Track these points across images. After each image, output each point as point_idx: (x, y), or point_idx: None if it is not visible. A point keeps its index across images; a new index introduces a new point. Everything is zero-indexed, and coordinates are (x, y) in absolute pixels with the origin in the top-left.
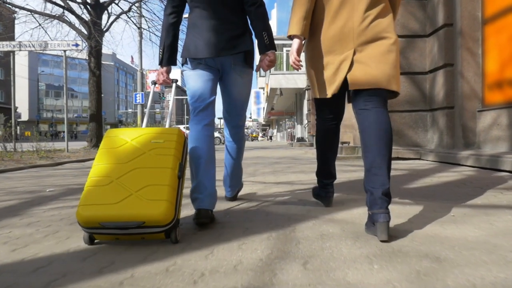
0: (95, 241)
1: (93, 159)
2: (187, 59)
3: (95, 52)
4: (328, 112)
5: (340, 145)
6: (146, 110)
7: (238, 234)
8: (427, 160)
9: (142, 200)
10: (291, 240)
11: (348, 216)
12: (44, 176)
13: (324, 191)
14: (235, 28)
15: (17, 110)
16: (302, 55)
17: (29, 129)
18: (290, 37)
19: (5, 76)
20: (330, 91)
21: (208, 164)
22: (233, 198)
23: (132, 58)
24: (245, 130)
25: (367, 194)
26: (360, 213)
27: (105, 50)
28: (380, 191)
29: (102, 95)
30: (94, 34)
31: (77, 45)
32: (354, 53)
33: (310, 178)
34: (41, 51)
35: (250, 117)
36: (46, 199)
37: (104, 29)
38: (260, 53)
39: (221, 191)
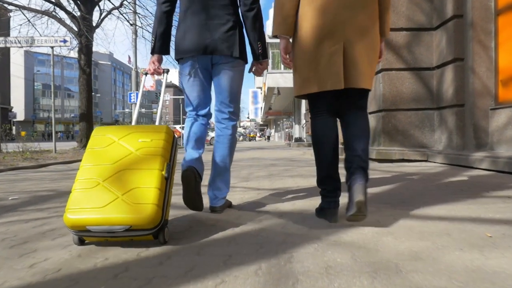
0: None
1: (80, 160)
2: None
3: (85, 49)
4: (324, 107)
5: (340, 146)
6: (136, 105)
7: (217, 266)
8: (435, 162)
9: (129, 204)
10: (287, 276)
11: (359, 237)
12: (20, 180)
13: (327, 201)
14: (225, 23)
15: (13, 110)
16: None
17: (25, 129)
18: (276, 36)
19: (0, 76)
20: (330, 84)
21: (197, 143)
22: (219, 209)
23: (129, 57)
24: (243, 130)
25: (348, 170)
26: (374, 234)
27: (101, 49)
28: (361, 167)
29: (98, 95)
30: (83, 29)
31: (65, 41)
32: (344, 47)
33: (309, 184)
34: (28, 47)
35: (248, 117)
36: (2, 210)
37: (95, 25)
38: (254, 59)
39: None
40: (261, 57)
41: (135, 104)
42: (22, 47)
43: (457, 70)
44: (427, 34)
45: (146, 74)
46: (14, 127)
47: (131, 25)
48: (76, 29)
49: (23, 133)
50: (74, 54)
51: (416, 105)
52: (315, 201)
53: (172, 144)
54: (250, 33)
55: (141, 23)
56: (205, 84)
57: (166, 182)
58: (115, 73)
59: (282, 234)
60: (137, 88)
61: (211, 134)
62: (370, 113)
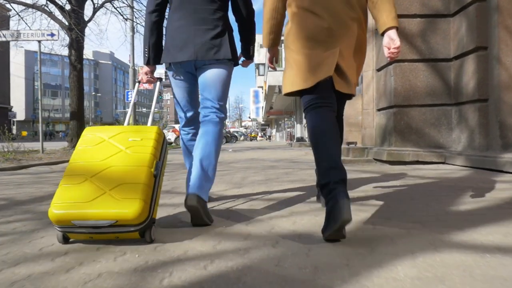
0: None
1: (67, 161)
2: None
3: (76, 44)
4: (319, 96)
5: (346, 146)
6: (129, 108)
7: None
8: (455, 165)
9: (115, 198)
10: None
11: (393, 287)
12: None
13: (333, 197)
14: (214, 28)
15: (13, 110)
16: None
17: (26, 128)
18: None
19: (0, 75)
20: (323, 74)
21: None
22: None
23: (129, 56)
24: (245, 130)
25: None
26: (414, 280)
27: (102, 49)
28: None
29: (99, 94)
30: (70, 23)
31: (52, 34)
32: (340, 53)
33: (313, 192)
34: (13, 41)
35: (249, 117)
36: None
37: (87, 20)
38: (245, 58)
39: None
40: (251, 58)
41: (133, 102)
42: (7, 41)
43: (479, 60)
44: (444, 21)
45: (138, 82)
46: (14, 127)
47: (125, 19)
48: (67, 23)
49: (24, 133)
50: (63, 51)
51: (432, 101)
52: (321, 218)
53: (162, 144)
54: (245, 37)
55: (135, 17)
56: (190, 87)
57: (155, 180)
58: (116, 72)
59: (275, 278)
60: (135, 86)
61: None
62: (380, 109)
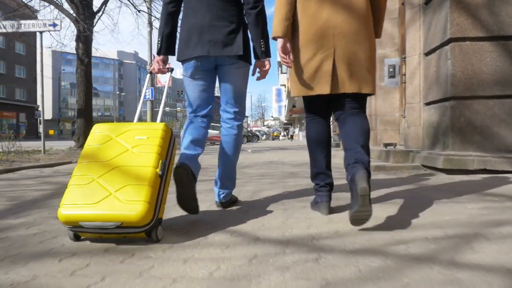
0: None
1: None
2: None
3: (84, 36)
4: (315, 110)
5: (383, 148)
6: (139, 104)
7: None
8: None
9: (121, 200)
10: None
11: None
12: None
13: (320, 195)
14: (229, 24)
15: (39, 109)
16: None
17: (53, 127)
18: (274, 38)
19: (28, 75)
20: (318, 89)
21: (195, 143)
22: (225, 204)
23: (148, 52)
24: (267, 129)
25: (347, 168)
26: None
27: (127, 49)
28: (360, 161)
29: (123, 94)
30: (76, 13)
31: (55, 25)
32: (335, 53)
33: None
34: (14, 31)
35: (272, 116)
36: None
37: (96, 11)
38: (255, 58)
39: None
40: (264, 55)
41: (150, 100)
42: (8, 31)
43: None
44: None
45: (150, 73)
46: (41, 125)
47: (138, 11)
48: (74, 15)
49: (51, 132)
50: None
51: (502, 91)
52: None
53: (169, 141)
54: (252, 31)
55: (148, 8)
56: (207, 85)
57: (161, 180)
58: (140, 72)
59: None
60: (152, 84)
61: (213, 132)
62: (430, 103)
